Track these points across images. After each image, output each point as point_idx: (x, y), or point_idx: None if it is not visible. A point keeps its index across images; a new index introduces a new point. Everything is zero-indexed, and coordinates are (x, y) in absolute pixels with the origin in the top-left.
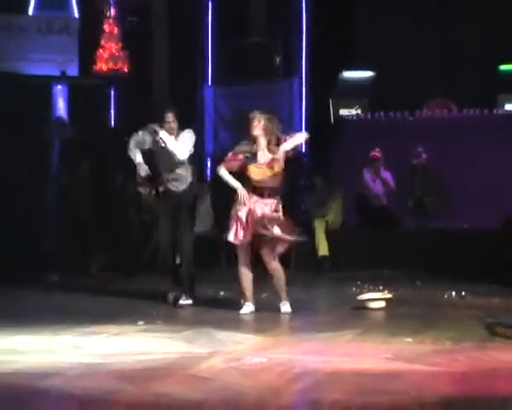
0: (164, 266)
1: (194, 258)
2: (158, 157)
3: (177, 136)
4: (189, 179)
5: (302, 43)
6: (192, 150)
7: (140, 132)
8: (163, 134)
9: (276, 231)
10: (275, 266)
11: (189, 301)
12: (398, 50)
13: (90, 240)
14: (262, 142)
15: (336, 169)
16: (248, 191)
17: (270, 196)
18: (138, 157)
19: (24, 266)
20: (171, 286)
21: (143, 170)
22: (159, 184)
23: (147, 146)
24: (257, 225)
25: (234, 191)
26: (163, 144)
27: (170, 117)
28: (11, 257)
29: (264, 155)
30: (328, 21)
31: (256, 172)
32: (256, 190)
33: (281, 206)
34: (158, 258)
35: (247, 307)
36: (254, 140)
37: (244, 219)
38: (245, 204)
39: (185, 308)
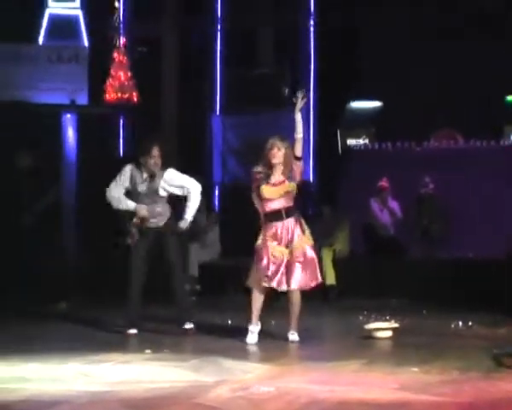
0: (132, 298)
1: (189, 282)
2: (136, 196)
3: (160, 171)
4: (168, 215)
5: (310, 74)
6: (181, 184)
7: (120, 181)
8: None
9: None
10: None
11: (192, 326)
12: (405, 81)
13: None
14: (279, 169)
15: (344, 198)
16: (265, 220)
17: (288, 217)
18: (130, 203)
19: (33, 293)
20: (129, 314)
21: (143, 208)
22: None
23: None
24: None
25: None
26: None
27: (156, 152)
28: (20, 284)
29: (276, 177)
30: (335, 53)
31: (268, 192)
32: (270, 215)
33: (302, 221)
34: (128, 287)
35: (253, 336)
36: (271, 167)
37: (272, 262)
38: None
39: (192, 336)
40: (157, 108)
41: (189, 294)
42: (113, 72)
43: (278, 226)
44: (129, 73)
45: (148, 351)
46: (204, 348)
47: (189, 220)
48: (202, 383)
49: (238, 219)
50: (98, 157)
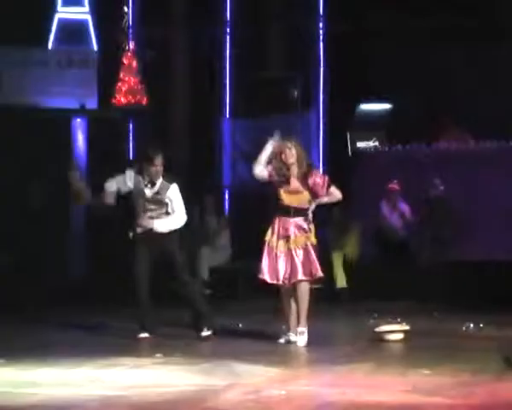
0: (140, 299)
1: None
2: (142, 200)
3: (161, 185)
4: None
5: (320, 77)
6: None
7: (123, 180)
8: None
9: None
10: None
11: (210, 332)
12: (415, 82)
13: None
14: (294, 169)
15: (354, 201)
16: (276, 213)
17: (295, 215)
18: (110, 185)
19: (47, 298)
20: (139, 319)
21: (110, 197)
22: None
23: (126, 189)
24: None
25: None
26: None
27: (158, 161)
28: (34, 290)
29: (294, 182)
30: (345, 56)
31: (286, 198)
32: (283, 210)
33: (310, 220)
34: (135, 293)
35: (302, 337)
36: (287, 167)
37: (278, 258)
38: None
39: (204, 340)
40: (167, 111)
41: (204, 300)
42: (122, 76)
43: (286, 220)
44: (138, 77)
45: (159, 355)
46: (215, 351)
47: (157, 227)
48: (213, 387)
49: (248, 223)
50: (108, 161)
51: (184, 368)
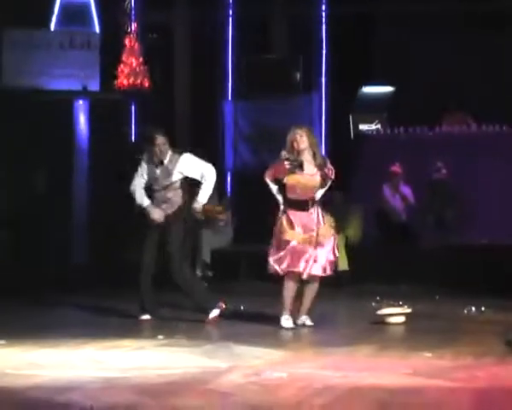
0: (141, 284)
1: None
2: (154, 181)
3: (170, 159)
4: (180, 203)
5: (322, 59)
6: (195, 172)
7: (140, 172)
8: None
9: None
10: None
11: (216, 313)
12: (417, 65)
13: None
14: (308, 154)
15: (356, 184)
16: (288, 207)
17: (312, 206)
18: (145, 200)
19: (49, 282)
20: (140, 301)
21: (157, 213)
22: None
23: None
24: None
25: (275, 207)
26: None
27: (159, 140)
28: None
29: (309, 167)
30: (348, 38)
31: (300, 181)
32: (295, 204)
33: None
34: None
35: (288, 322)
36: (299, 154)
37: (296, 248)
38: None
39: (211, 323)
40: (169, 93)
41: (200, 281)
42: (124, 58)
43: (303, 215)
44: (140, 59)
45: (160, 337)
46: (216, 333)
47: (201, 202)
48: (215, 369)
49: (250, 205)
50: (110, 143)
51: (186, 350)
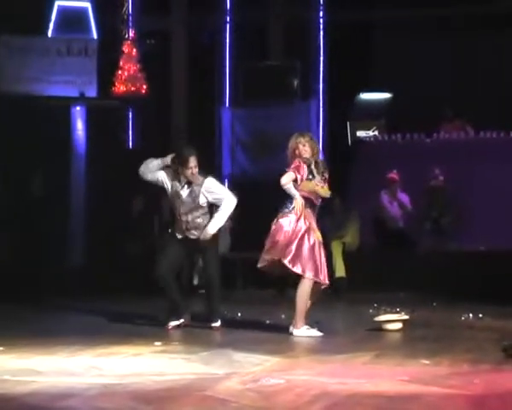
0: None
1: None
2: (178, 201)
3: (199, 178)
4: (206, 223)
5: (320, 66)
6: (218, 197)
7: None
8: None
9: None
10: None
11: (219, 323)
12: (415, 72)
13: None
14: (312, 162)
15: (353, 191)
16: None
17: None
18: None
19: (47, 285)
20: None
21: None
22: (177, 232)
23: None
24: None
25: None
26: (181, 193)
27: (193, 162)
28: (34, 278)
29: (317, 176)
30: (346, 45)
31: (322, 190)
32: (313, 207)
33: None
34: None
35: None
36: (305, 162)
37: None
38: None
39: (203, 329)
40: (166, 100)
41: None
42: (121, 64)
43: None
44: (138, 66)
45: (157, 343)
46: (214, 340)
47: (210, 232)
48: (212, 376)
49: (248, 212)
50: (107, 149)
51: (183, 357)
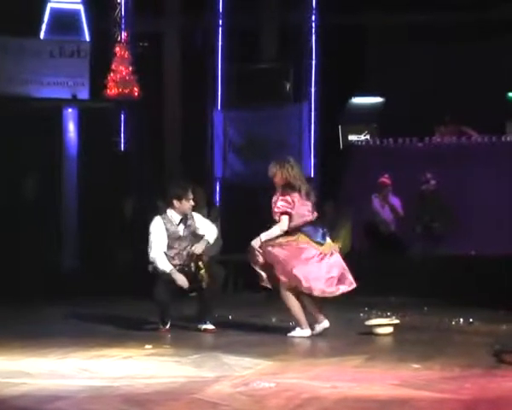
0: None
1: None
2: (177, 241)
3: (189, 215)
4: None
5: (312, 69)
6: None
7: (158, 228)
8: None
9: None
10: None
11: (213, 326)
12: (407, 76)
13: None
14: (285, 189)
15: (345, 195)
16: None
17: None
18: (169, 266)
19: (38, 288)
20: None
21: (182, 280)
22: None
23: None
24: None
25: None
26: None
27: (191, 194)
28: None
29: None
30: (338, 48)
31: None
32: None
33: None
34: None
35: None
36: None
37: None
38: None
39: (194, 332)
40: (159, 103)
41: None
42: (114, 66)
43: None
44: (130, 68)
45: (148, 346)
46: (204, 343)
47: (198, 250)
48: (203, 379)
49: (239, 215)
50: (99, 152)
51: (173, 360)
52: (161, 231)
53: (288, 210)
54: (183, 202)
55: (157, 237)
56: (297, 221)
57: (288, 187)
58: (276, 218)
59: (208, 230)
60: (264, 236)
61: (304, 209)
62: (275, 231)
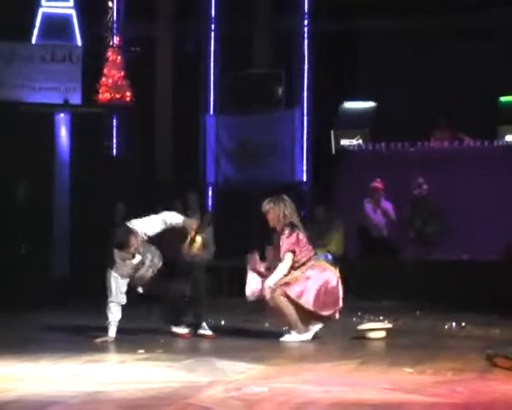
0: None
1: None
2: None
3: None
4: (157, 257)
5: (304, 74)
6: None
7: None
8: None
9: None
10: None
11: (210, 332)
12: (399, 81)
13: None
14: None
15: (337, 199)
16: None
17: None
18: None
19: (31, 294)
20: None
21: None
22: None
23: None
24: None
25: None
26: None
27: (133, 241)
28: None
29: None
30: (330, 53)
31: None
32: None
33: None
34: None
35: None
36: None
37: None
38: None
39: (188, 337)
40: (151, 107)
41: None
42: (106, 71)
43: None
44: (122, 73)
45: (141, 351)
46: (197, 348)
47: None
48: (195, 384)
49: (232, 220)
50: (91, 157)
51: (166, 364)
52: (117, 280)
53: (295, 248)
54: (128, 249)
55: (115, 289)
56: (300, 257)
57: (291, 226)
58: (281, 256)
59: (156, 221)
60: (273, 280)
61: (307, 245)
62: (281, 270)
